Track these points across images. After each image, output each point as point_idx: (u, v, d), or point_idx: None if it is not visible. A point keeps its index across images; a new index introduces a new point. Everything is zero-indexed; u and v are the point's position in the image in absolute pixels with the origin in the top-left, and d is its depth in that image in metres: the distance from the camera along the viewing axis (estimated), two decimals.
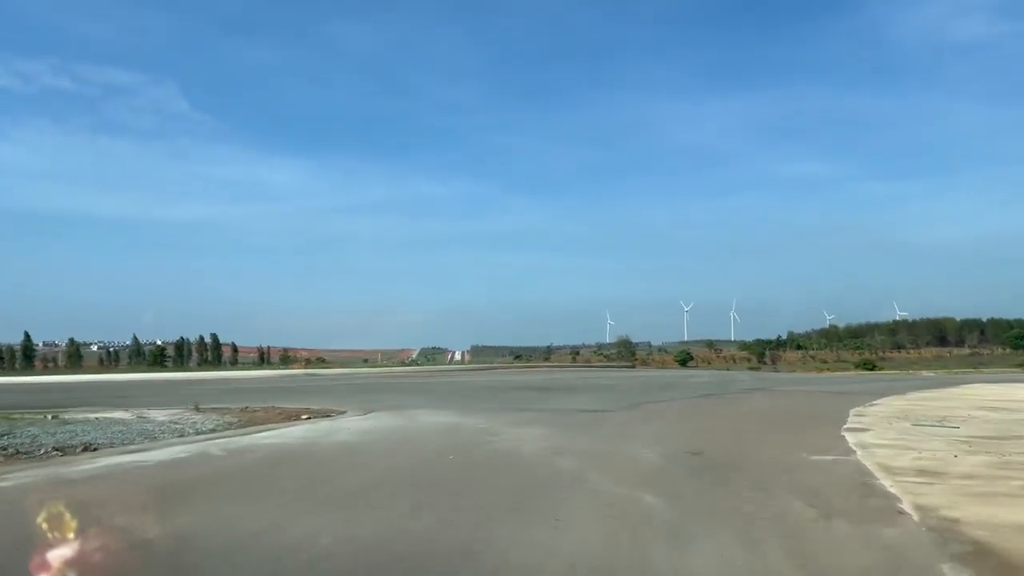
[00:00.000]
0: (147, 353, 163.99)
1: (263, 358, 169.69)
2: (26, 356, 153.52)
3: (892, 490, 9.08)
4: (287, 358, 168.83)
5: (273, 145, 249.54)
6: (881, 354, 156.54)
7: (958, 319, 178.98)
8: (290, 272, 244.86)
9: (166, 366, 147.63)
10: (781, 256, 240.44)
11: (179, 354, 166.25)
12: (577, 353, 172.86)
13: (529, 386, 40.88)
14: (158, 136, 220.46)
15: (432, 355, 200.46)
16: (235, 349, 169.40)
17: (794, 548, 6.46)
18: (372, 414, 20.46)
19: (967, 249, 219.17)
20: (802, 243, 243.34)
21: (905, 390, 34.93)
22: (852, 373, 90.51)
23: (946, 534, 6.88)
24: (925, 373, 79.99)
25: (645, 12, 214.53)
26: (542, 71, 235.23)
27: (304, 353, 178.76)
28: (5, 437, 14.34)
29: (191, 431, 15.96)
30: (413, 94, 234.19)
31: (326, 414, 20.31)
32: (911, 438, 14.65)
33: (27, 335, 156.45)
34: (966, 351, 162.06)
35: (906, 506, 8.11)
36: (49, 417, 19.32)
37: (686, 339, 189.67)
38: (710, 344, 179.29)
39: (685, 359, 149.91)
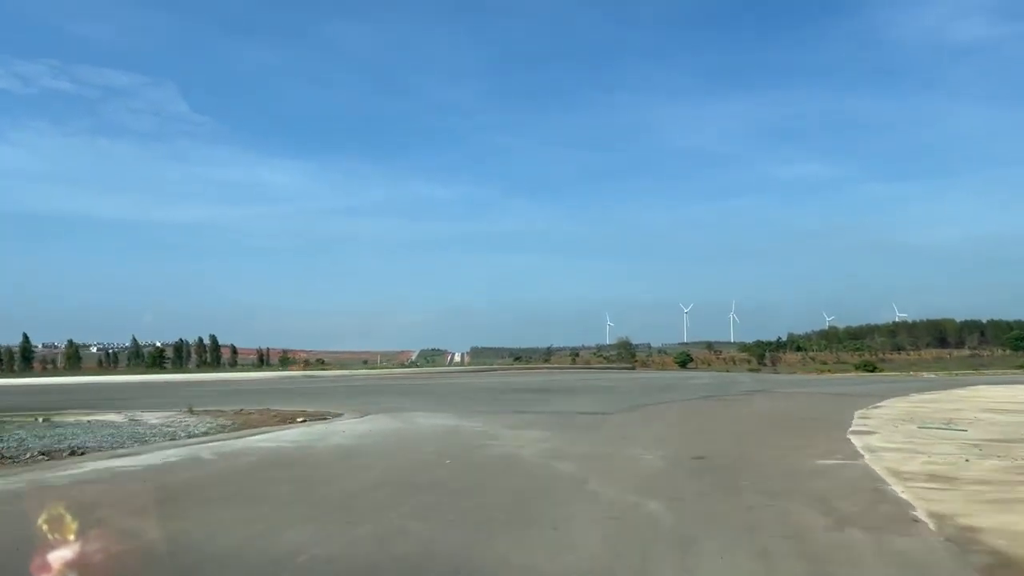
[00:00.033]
0: (146, 355, 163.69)
1: (262, 360, 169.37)
2: (24, 358, 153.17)
3: (904, 496, 8.76)
4: (286, 360, 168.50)
5: (273, 146, 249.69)
6: (881, 355, 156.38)
7: (958, 320, 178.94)
8: (290, 274, 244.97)
9: (165, 368, 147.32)
10: (781, 258, 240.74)
11: (178, 356, 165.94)
12: (577, 355, 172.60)
13: (528, 388, 40.55)
14: (157, 138, 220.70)
15: (432, 357, 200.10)
16: (234, 351, 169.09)
17: (808, 559, 6.14)
18: (369, 417, 20.13)
19: (967, 250, 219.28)
20: (802, 245, 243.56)
21: (908, 392, 34.57)
22: (852, 375, 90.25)
23: (965, 544, 6.56)
24: (926, 375, 79.68)
25: (645, 14, 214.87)
26: (542, 72, 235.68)
27: (304, 355, 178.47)
28: None
29: (183, 434, 15.64)
30: (413, 95, 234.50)
31: (322, 417, 19.98)
32: (919, 441, 14.33)
33: (26, 336, 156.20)
34: (966, 352, 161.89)
35: (920, 513, 7.78)
36: (40, 420, 19.01)
37: (686, 341, 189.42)
38: (710, 346, 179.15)
39: (685, 361, 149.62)
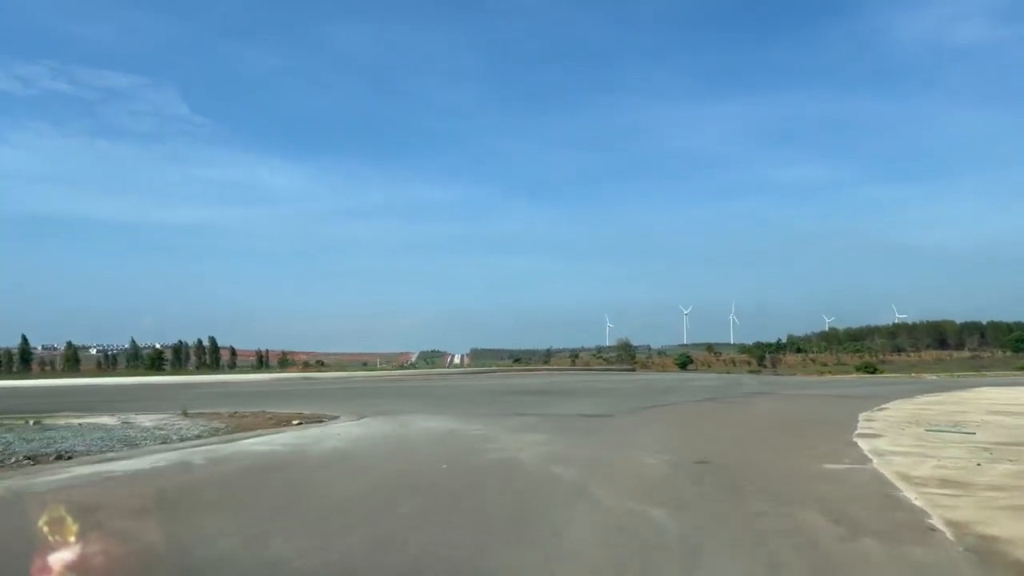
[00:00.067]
0: (145, 356, 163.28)
1: (262, 361, 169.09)
2: (23, 359, 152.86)
3: (917, 503, 8.43)
4: (286, 361, 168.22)
5: (272, 148, 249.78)
6: (881, 357, 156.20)
7: (958, 322, 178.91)
8: (290, 275, 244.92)
9: (164, 369, 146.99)
10: (780, 259, 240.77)
11: (177, 357, 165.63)
12: (576, 356, 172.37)
13: (528, 390, 40.21)
14: (157, 139, 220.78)
15: (431, 358, 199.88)
16: (233, 352, 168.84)
17: (821, 572, 5.82)
18: (365, 419, 19.78)
19: (966, 252, 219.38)
20: (801, 246, 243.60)
21: (911, 394, 34.25)
22: (853, 376, 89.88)
23: (986, 555, 6.24)
24: (928, 376, 79.35)
25: (645, 16, 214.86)
26: (541, 74, 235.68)
27: (303, 356, 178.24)
28: None
29: (175, 437, 15.30)
30: (412, 97, 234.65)
31: (318, 419, 19.64)
32: (927, 444, 14.01)
33: (24, 338, 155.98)
34: (966, 354, 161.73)
35: (936, 522, 7.46)
36: (31, 423, 18.66)
37: (685, 342, 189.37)
38: (710, 347, 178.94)
39: (685, 362, 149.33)
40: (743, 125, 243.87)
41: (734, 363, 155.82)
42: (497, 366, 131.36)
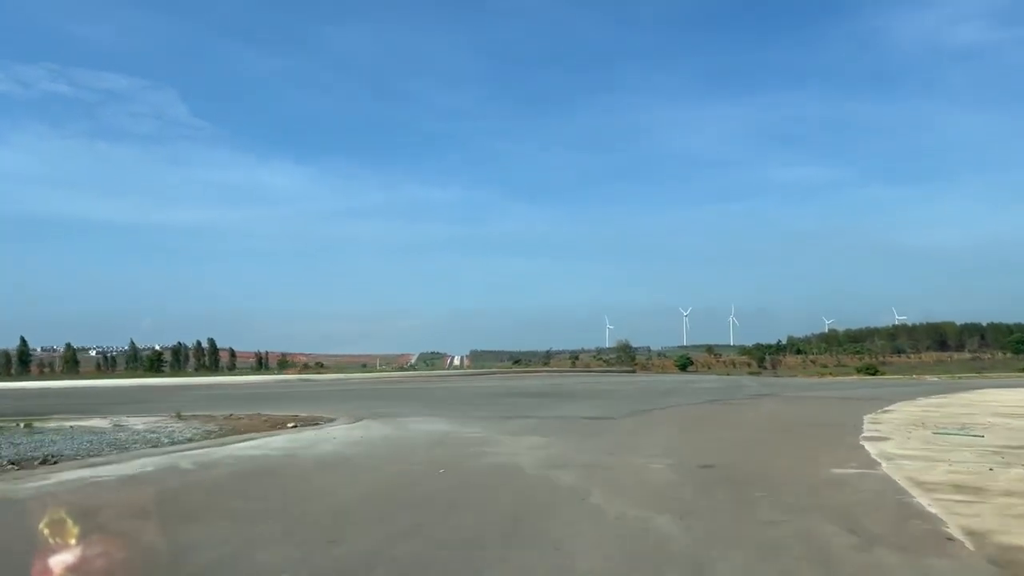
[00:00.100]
0: (144, 358, 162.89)
1: (261, 363, 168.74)
2: (22, 361, 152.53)
3: (932, 510, 8.10)
4: (285, 363, 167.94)
5: (272, 150, 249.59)
6: (881, 359, 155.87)
7: (958, 323, 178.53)
8: (289, 277, 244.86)
9: (163, 371, 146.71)
10: (780, 261, 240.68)
11: (176, 359, 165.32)
12: (576, 358, 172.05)
13: (528, 392, 39.84)
14: (157, 141, 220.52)
15: (431, 360, 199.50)
16: (233, 354, 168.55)
17: None
18: (362, 422, 19.44)
19: (966, 253, 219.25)
20: (801, 247, 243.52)
21: (914, 395, 33.88)
22: (854, 378, 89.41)
23: (1010, 567, 5.91)
24: (929, 378, 78.96)
25: (644, 17, 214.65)
26: (541, 76, 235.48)
27: (303, 358, 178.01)
28: None
29: (166, 441, 14.96)
30: (412, 98, 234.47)
31: (313, 422, 19.29)
32: (936, 448, 13.67)
33: (23, 340, 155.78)
34: (967, 356, 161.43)
35: (954, 530, 7.12)
36: (21, 425, 18.31)
37: (685, 344, 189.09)
38: (710, 349, 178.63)
39: (685, 364, 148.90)
40: (743, 126, 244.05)
41: (734, 365, 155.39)
42: (497, 368, 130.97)
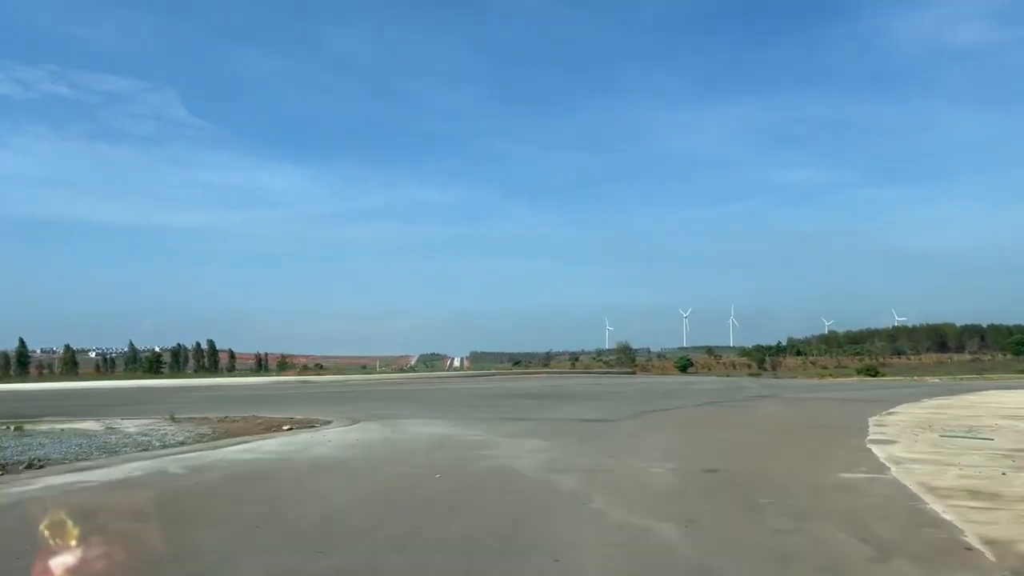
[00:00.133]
0: (143, 360, 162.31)
1: (261, 364, 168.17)
2: (20, 363, 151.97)
3: (947, 517, 7.78)
4: (285, 364, 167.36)
5: (272, 151, 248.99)
6: (881, 360, 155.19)
7: (958, 325, 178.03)
8: (289, 278, 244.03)
9: (162, 373, 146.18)
10: (779, 262, 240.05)
11: (176, 360, 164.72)
12: (576, 359, 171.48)
13: (527, 393, 39.52)
14: (157, 142, 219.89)
15: (431, 361, 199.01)
16: (232, 355, 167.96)
17: None
18: (359, 424, 19.12)
19: (965, 254, 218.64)
20: (800, 248, 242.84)
21: (917, 397, 33.61)
22: (855, 379, 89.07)
23: None
24: (930, 379, 78.66)
25: (644, 17, 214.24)
26: (541, 77, 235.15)
27: (303, 359, 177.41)
28: None
29: (157, 444, 14.64)
30: (412, 99, 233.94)
31: (309, 424, 18.97)
32: (945, 451, 13.35)
33: (22, 341, 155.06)
34: (967, 357, 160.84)
35: (972, 539, 6.81)
36: (11, 428, 17.98)
37: (685, 345, 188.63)
38: (710, 350, 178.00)
39: (685, 365, 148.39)
40: (743, 127, 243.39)
41: (734, 366, 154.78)
42: (496, 369, 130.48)
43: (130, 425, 18.92)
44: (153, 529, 7.29)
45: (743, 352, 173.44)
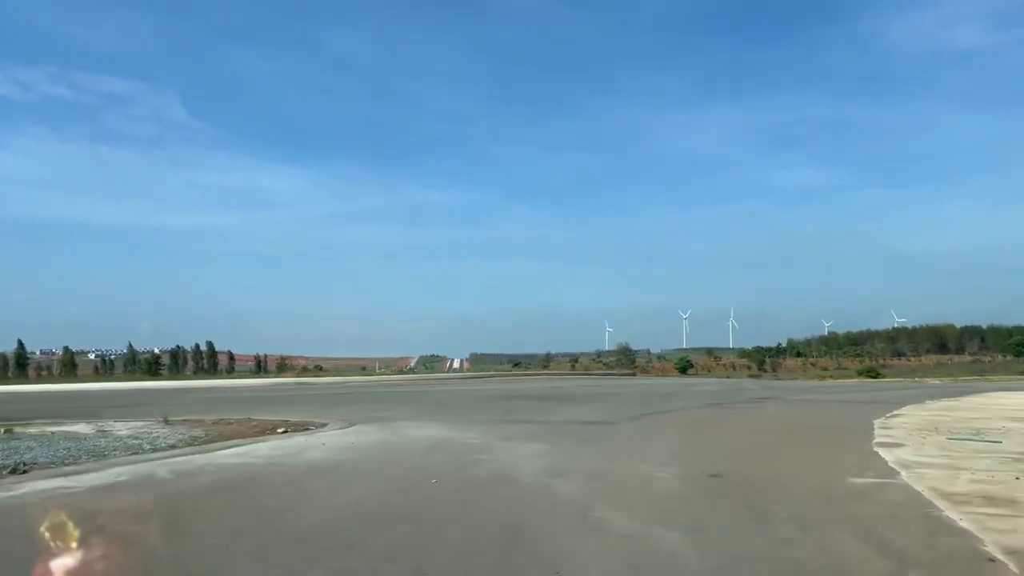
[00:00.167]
0: (142, 361, 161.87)
1: (260, 366, 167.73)
2: (19, 364, 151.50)
3: (964, 525, 7.44)
4: (284, 366, 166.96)
5: (272, 153, 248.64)
6: (881, 361, 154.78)
7: (958, 326, 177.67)
8: (289, 279, 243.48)
9: (161, 374, 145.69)
10: (779, 263, 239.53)
11: (175, 362, 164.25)
12: (576, 361, 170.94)
13: (527, 395, 39.18)
14: (157, 144, 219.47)
15: (431, 363, 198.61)
16: (231, 357, 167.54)
17: None
18: (355, 427, 18.77)
19: (965, 256, 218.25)
20: (800, 250, 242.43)
21: (920, 399, 33.31)
22: (856, 381, 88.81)
23: None
24: (932, 381, 78.35)
25: (644, 20, 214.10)
26: (541, 79, 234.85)
27: (302, 361, 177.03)
28: None
29: (147, 447, 14.29)
30: (412, 102, 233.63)
31: (304, 427, 18.62)
32: (955, 455, 13.01)
33: (20, 343, 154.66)
34: (967, 358, 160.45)
35: (993, 549, 6.47)
36: (1, 431, 17.63)
37: (685, 346, 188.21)
38: (710, 351, 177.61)
39: (685, 367, 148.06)
40: (742, 128, 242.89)
41: (734, 367, 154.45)
42: (496, 371, 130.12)
43: (122, 428, 18.58)
44: (127, 540, 6.95)
45: (743, 353, 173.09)
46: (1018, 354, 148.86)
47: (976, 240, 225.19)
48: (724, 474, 10.92)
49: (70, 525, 7.47)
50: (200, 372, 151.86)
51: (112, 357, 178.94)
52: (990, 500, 8.76)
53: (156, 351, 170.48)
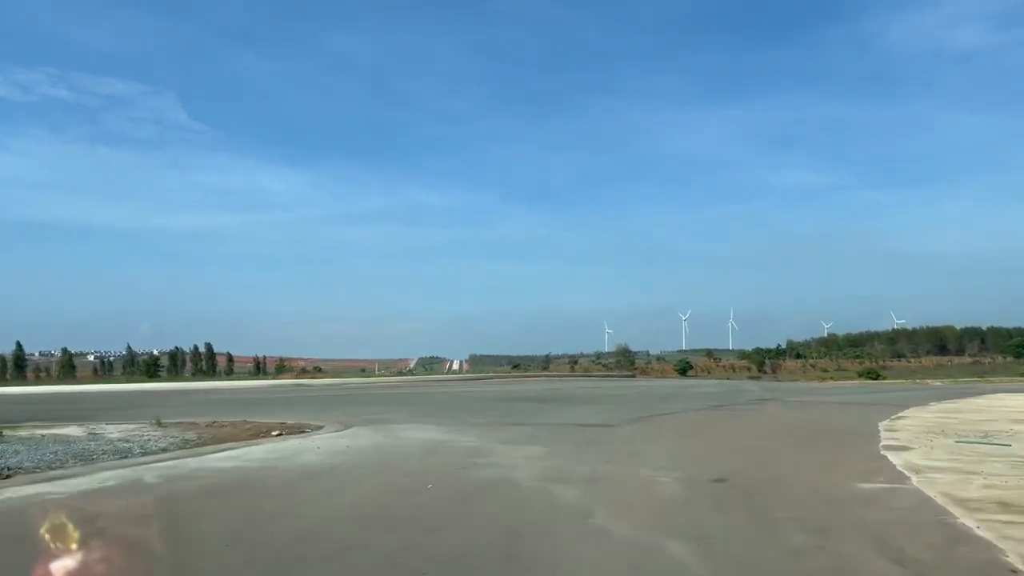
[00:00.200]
0: (141, 363, 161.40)
1: (259, 368, 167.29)
2: (17, 366, 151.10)
3: (982, 534, 7.13)
4: (283, 367, 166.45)
5: (271, 154, 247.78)
6: (881, 363, 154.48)
7: (958, 327, 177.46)
8: (289, 281, 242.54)
9: (159, 376, 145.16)
10: (779, 264, 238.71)
11: (173, 364, 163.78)
12: (575, 362, 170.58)
13: (526, 397, 38.85)
14: (157, 146, 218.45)
15: (430, 364, 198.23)
16: (230, 359, 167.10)
17: None
18: (350, 430, 18.45)
19: (965, 257, 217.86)
20: (799, 251, 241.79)
21: (923, 400, 32.98)
22: (856, 382, 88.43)
23: None
24: (934, 382, 78.06)
25: (644, 20, 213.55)
26: (540, 79, 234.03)
27: (301, 362, 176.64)
28: None
29: (137, 451, 13.97)
30: (412, 103, 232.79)
31: (300, 430, 18.31)
32: (964, 459, 12.70)
33: (18, 344, 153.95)
34: (967, 360, 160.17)
35: (1015, 560, 6.16)
36: None
37: (684, 348, 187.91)
38: (709, 353, 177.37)
39: (685, 368, 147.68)
40: (742, 128, 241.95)
41: (734, 369, 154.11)
42: (495, 372, 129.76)
43: (113, 431, 18.25)
44: (107, 549, 6.63)
45: (743, 355, 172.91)
46: (1018, 355, 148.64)
47: (976, 241, 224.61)
48: (728, 478, 10.61)
49: (49, 533, 7.16)
50: (199, 374, 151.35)
51: (111, 359, 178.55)
52: (1006, 507, 8.44)
53: (155, 352, 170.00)
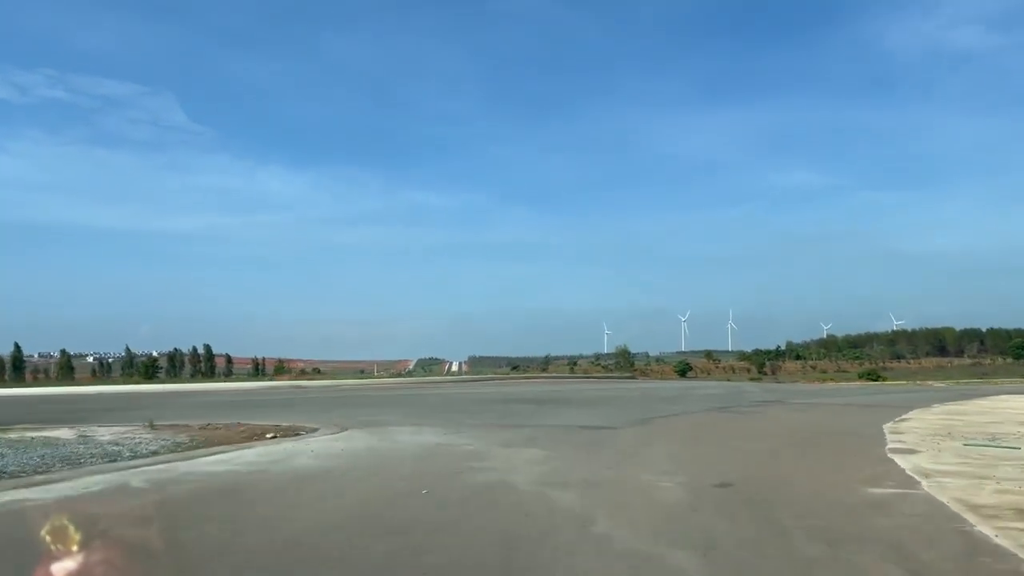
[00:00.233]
0: (139, 364, 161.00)
1: (258, 369, 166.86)
2: (15, 367, 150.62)
3: (1000, 542, 6.82)
4: (282, 369, 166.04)
5: (271, 156, 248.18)
6: (881, 364, 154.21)
7: (957, 329, 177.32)
8: (288, 282, 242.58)
9: (158, 377, 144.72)
10: (778, 266, 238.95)
11: (172, 365, 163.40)
12: (575, 363, 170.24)
13: (525, 398, 38.50)
14: (156, 147, 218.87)
15: (429, 366, 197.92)
16: (229, 360, 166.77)
17: None
18: (346, 433, 18.12)
19: (964, 258, 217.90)
20: (798, 253, 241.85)
21: (926, 402, 32.65)
22: (857, 384, 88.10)
23: None
24: (934, 384, 77.73)
25: (643, 22, 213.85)
26: (539, 82, 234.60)
27: (301, 364, 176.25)
28: None
29: (127, 454, 13.65)
30: (411, 105, 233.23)
31: (294, 432, 17.98)
32: (974, 462, 12.39)
33: (16, 345, 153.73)
34: (967, 361, 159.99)
35: None
36: None
37: (683, 349, 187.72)
38: (709, 354, 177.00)
39: (684, 370, 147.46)
40: (741, 130, 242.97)
41: (733, 370, 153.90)
42: (495, 373, 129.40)
43: (105, 433, 17.92)
44: (87, 557, 6.31)
45: (742, 356, 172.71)
46: (1018, 357, 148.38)
47: (975, 242, 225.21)
48: (733, 483, 10.30)
49: (28, 541, 6.85)
50: (197, 375, 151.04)
51: (110, 360, 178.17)
52: (1022, 513, 8.13)
53: (154, 354, 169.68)
